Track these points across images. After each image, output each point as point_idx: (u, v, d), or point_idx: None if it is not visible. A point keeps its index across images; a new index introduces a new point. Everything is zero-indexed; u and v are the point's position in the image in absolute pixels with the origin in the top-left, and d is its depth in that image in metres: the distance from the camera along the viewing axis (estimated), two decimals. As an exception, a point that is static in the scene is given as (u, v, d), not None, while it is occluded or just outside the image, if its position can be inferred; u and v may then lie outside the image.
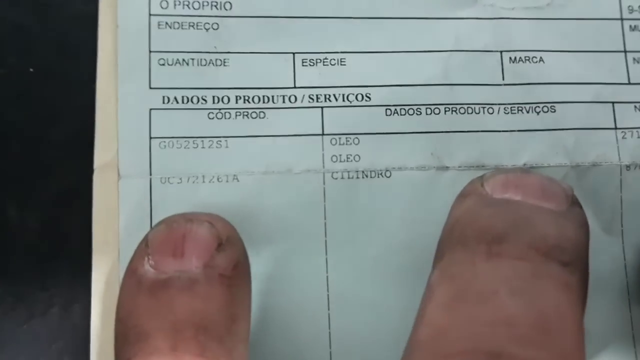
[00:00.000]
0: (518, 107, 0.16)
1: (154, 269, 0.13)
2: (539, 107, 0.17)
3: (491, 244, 0.13)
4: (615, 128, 0.17)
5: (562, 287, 0.13)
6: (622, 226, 0.16)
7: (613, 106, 0.17)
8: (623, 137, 0.17)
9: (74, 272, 0.15)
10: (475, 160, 0.16)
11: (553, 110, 0.17)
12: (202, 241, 0.13)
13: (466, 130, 0.16)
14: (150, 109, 0.16)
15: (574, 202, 0.15)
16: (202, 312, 0.13)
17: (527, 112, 0.16)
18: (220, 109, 0.16)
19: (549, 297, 0.12)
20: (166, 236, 0.13)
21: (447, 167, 0.16)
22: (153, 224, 0.15)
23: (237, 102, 0.16)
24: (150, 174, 0.15)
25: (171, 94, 0.16)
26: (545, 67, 0.17)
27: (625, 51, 0.17)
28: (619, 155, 0.17)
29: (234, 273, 0.13)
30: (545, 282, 0.12)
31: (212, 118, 0.16)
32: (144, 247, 0.13)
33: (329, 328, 0.15)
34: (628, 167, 0.17)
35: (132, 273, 0.13)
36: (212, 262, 0.13)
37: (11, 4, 0.16)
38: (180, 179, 0.15)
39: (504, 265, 0.13)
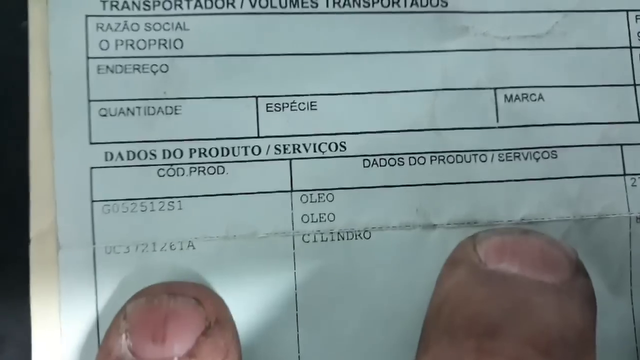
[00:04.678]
0: (514, 153, 0.15)
1: (132, 353, 0.12)
2: (538, 152, 0.15)
3: (482, 338, 0.11)
4: (624, 174, 0.15)
5: None
6: (631, 285, 0.15)
7: (622, 149, 0.15)
8: (633, 185, 0.15)
9: (12, 358, 0.14)
10: (467, 216, 0.14)
11: (554, 156, 0.15)
12: (186, 324, 0.12)
13: (456, 181, 0.14)
14: (92, 168, 0.14)
15: (578, 270, 0.13)
16: None
17: (525, 158, 0.15)
18: (172, 165, 0.14)
19: None
20: (146, 314, 0.12)
21: (434, 225, 0.14)
22: (98, 300, 0.14)
23: (191, 156, 0.14)
24: (94, 243, 0.14)
25: (115, 149, 0.14)
26: (545, 105, 0.15)
27: (635, 84, 0.15)
28: (628, 205, 0.15)
29: None
30: None
31: (163, 175, 0.14)
32: (122, 321, 0.12)
33: (302, 418, 0.14)
34: (639, 218, 0.15)
35: (107, 354, 0.12)
36: (196, 350, 0.12)
37: None
38: (128, 247, 0.14)
39: None
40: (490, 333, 0.11)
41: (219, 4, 0.14)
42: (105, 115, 0.14)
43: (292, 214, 0.14)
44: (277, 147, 0.14)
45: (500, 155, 0.15)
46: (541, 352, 0.11)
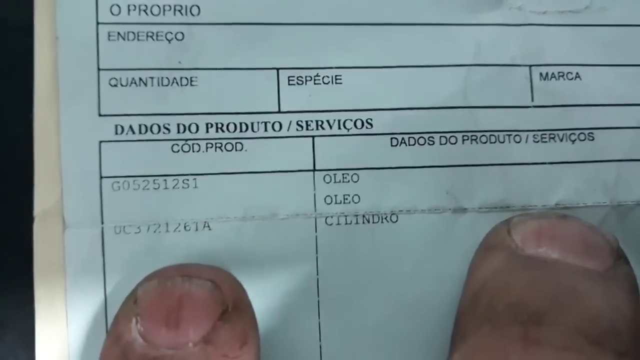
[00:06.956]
0: (550, 135, 0.14)
1: (143, 338, 0.11)
2: (574, 134, 0.14)
3: (528, 325, 0.10)
4: (665, 158, 0.14)
5: None
6: (670, 276, 0.14)
7: (663, 132, 0.14)
8: (674, 170, 0.14)
9: (14, 343, 0.13)
10: (499, 200, 0.14)
11: (591, 138, 0.14)
12: (202, 308, 0.11)
13: (488, 163, 0.14)
14: (100, 142, 0.13)
15: (620, 257, 0.12)
16: None
17: (561, 140, 0.14)
18: (187, 140, 0.13)
19: None
20: (159, 298, 0.11)
21: (465, 208, 0.13)
22: (107, 283, 0.13)
23: (207, 131, 0.13)
24: (102, 223, 0.13)
25: (126, 122, 0.13)
26: (582, 85, 0.14)
27: (677, 64, 0.14)
28: (668, 191, 0.14)
29: (241, 353, 0.11)
30: None
31: (177, 151, 0.13)
32: (132, 305, 0.11)
33: (323, 411, 0.13)
34: (679, 205, 0.14)
35: (116, 339, 0.11)
36: (213, 336, 0.11)
37: None
38: (139, 227, 0.13)
39: (545, 357, 0.10)
40: (536, 321, 0.10)
41: (239, -32, 0.13)
42: (115, 86, 0.13)
43: (314, 194, 0.13)
44: (299, 123, 0.13)
45: (535, 136, 0.14)
46: (592, 341, 0.10)
